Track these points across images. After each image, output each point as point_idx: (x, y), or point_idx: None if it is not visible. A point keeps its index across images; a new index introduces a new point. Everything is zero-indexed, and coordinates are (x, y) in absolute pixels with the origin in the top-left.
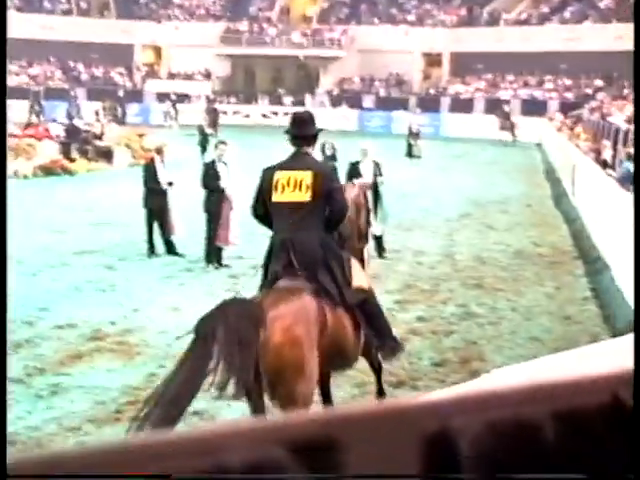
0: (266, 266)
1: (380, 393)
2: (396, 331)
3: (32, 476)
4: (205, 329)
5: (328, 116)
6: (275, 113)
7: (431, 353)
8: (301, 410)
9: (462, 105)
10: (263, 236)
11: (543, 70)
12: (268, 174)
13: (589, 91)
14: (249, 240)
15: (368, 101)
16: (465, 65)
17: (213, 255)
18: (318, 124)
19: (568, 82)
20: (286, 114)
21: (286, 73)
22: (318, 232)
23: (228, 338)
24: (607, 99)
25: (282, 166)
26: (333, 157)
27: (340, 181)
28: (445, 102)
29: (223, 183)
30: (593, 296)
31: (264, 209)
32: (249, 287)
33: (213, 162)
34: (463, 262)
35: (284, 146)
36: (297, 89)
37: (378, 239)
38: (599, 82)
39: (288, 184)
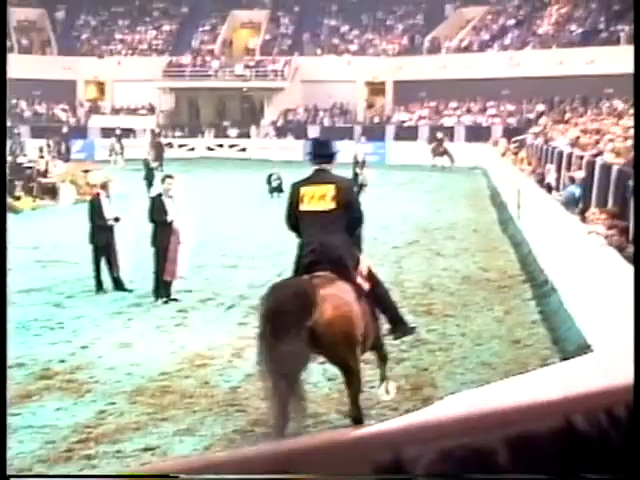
0: (297, 265)
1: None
2: None
3: (32, 476)
4: (267, 310)
5: (274, 147)
6: (220, 145)
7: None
8: (354, 373)
9: (407, 133)
10: (212, 268)
11: (486, 96)
12: (295, 189)
13: (531, 116)
14: (198, 273)
15: (313, 131)
16: (408, 93)
17: (161, 289)
18: (262, 155)
19: (511, 107)
20: (231, 146)
21: (230, 105)
22: (341, 235)
23: (285, 314)
24: (549, 123)
25: (307, 181)
26: (279, 188)
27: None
28: (390, 130)
29: (170, 217)
30: (542, 319)
31: (296, 219)
32: (198, 320)
33: (160, 196)
34: (412, 289)
35: (229, 178)
36: (242, 121)
37: None
38: (541, 107)
39: (313, 196)
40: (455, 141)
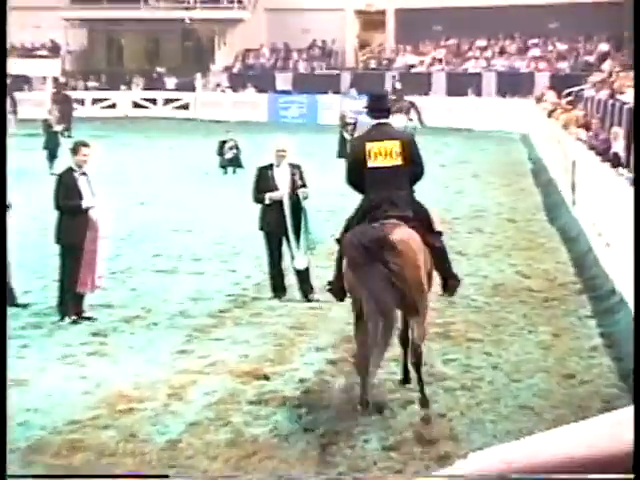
0: (359, 217)
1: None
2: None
3: (32, 476)
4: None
5: (227, 103)
6: (153, 101)
7: (382, 432)
8: (422, 318)
9: (416, 83)
10: (141, 274)
11: (526, 32)
12: (359, 145)
13: (591, 59)
14: (121, 281)
15: (283, 81)
16: (418, 27)
17: (70, 304)
18: (212, 114)
19: (562, 47)
20: (168, 102)
21: (167, 44)
22: (408, 190)
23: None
24: (616, 69)
25: (371, 137)
26: (235, 160)
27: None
28: (391, 79)
29: (85, 201)
30: (605, 344)
31: (359, 176)
32: (122, 347)
33: (70, 172)
34: None
35: (165, 147)
36: (183, 66)
37: (302, 274)
38: (604, 46)
39: (380, 153)
40: (484, 95)
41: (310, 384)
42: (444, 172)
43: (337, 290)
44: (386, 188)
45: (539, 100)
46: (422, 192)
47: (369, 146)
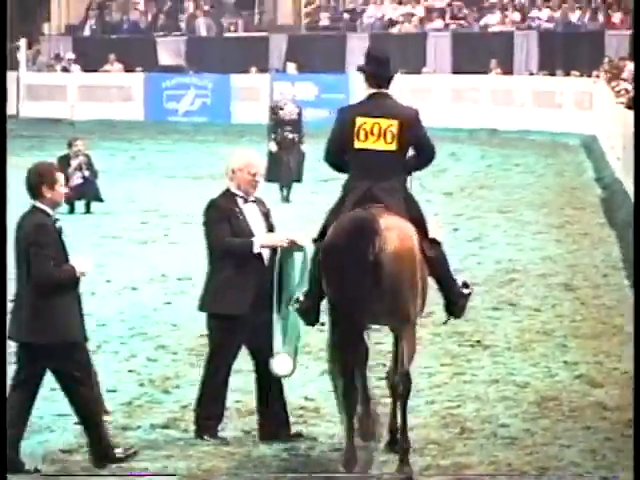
0: (332, 212)
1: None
2: None
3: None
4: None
5: (73, 89)
6: None
7: None
8: (412, 327)
9: (400, 52)
10: None
11: None
12: (348, 117)
13: None
14: None
15: (170, 51)
16: None
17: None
18: (50, 110)
19: None
20: None
21: None
22: (400, 182)
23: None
24: None
25: (364, 111)
26: (89, 188)
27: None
28: (355, 46)
29: None
30: None
31: (342, 156)
32: None
33: None
34: (425, 435)
35: None
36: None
37: (277, 389)
38: None
39: (372, 132)
40: (517, 70)
41: None
42: (450, 205)
43: (308, 308)
44: (374, 176)
45: (613, 78)
46: None
47: (360, 121)
